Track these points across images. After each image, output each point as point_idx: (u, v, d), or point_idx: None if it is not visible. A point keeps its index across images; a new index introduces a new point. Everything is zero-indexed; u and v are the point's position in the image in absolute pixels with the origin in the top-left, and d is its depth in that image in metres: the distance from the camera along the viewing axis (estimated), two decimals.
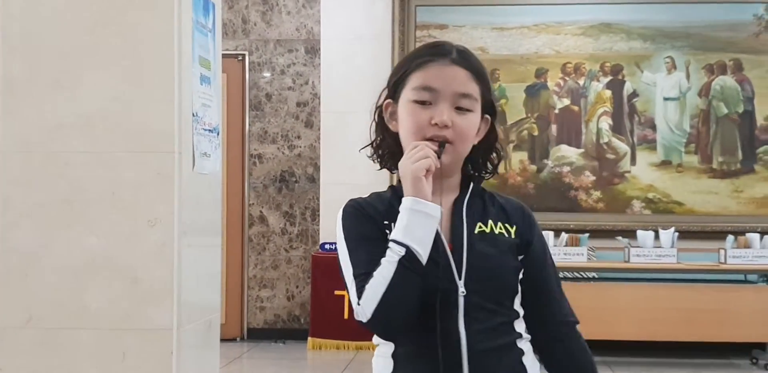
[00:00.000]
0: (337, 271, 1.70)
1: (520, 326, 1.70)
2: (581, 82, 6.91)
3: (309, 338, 6.67)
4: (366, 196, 1.74)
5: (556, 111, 6.95)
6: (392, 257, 1.56)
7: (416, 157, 1.59)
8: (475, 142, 1.71)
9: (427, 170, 1.58)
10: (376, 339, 1.72)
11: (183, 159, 2.66)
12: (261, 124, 7.13)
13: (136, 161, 2.62)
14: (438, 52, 1.69)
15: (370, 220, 1.65)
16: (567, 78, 6.92)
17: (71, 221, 2.62)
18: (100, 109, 2.63)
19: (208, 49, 2.95)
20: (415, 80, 1.67)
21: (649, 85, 6.88)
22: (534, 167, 6.92)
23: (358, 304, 1.59)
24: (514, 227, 1.70)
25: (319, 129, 7.02)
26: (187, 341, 2.67)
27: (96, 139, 2.63)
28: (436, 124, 1.63)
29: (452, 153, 1.65)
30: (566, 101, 6.94)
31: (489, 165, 1.77)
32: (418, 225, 1.57)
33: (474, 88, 1.67)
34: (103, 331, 2.59)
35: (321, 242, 6.85)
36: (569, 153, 6.91)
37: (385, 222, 1.64)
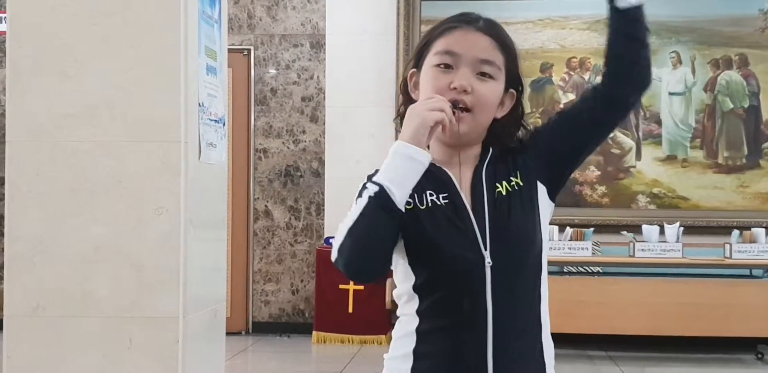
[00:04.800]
0: None
1: (544, 287, 1.66)
2: (586, 76, 6.91)
3: (313, 332, 6.67)
4: None
5: (562, 106, 6.94)
6: (365, 195, 1.54)
7: (432, 106, 1.55)
8: (498, 116, 1.68)
9: (438, 123, 1.54)
10: (399, 311, 1.69)
11: (189, 149, 2.67)
12: (266, 119, 7.13)
13: (142, 150, 2.63)
14: (464, 19, 1.68)
15: None
16: (572, 73, 6.92)
17: (78, 209, 2.63)
18: (107, 98, 2.65)
19: (214, 39, 2.96)
20: (438, 46, 1.65)
21: (654, 79, 6.84)
22: None
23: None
24: (518, 173, 1.66)
25: (324, 124, 7.02)
26: (192, 330, 2.68)
27: (102, 129, 2.64)
28: (455, 88, 1.60)
29: (470, 122, 1.62)
30: (571, 96, 6.93)
31: (512, 140, 1.71)
32: (399, 167, 1.54)
33: (497, 57, 1.65)
34: (109, 319, 2.60)
35: (326, 236, 6.86)
36: None
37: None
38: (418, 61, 1.70)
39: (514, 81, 1.70)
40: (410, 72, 1.71)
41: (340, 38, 6.98)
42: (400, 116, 1.67)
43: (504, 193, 1.63)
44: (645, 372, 5.95)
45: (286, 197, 7.10)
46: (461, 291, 1.58)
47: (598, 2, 6.75)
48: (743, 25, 6.80)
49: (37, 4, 2.68)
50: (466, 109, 1.62)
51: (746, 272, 6.36)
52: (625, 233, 6.44)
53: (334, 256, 1.58)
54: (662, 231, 6.27)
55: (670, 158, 6.85)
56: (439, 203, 1.62)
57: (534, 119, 6.94)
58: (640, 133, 6.86)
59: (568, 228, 6.33)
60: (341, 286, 6.45)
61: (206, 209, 2.84)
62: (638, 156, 6.86)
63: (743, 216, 6.71)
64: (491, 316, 1.58)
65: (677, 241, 6.23)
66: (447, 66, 1.63)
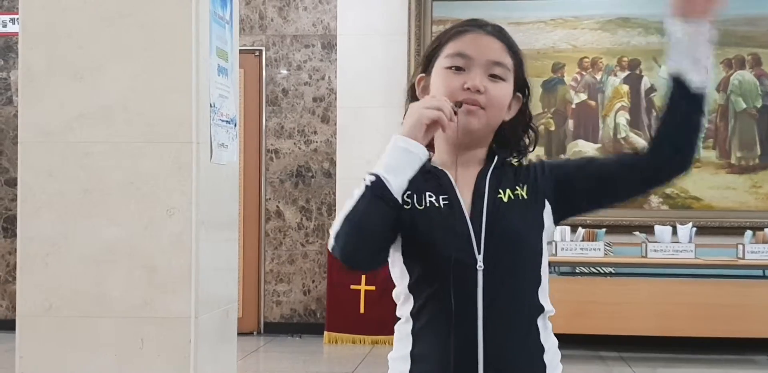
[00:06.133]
0: None
1: (543, 296, 1.66)
2: (598, 76, 6.89)
3: (325, 333, 6.68)
4: None
5: (573, 106, 6.93)
6: (362, 185, 1.57)
7: (431, 105, 1.58)
8: (506, 119, 1.70)
9: (435, 122, 1.57)
10: (398, 312, 1.70)
11: (201, 149, 2.68)
12: (277, 120, 7.14)
13: (154, 151, 2.64)
14: (473, 23, 1.71)
15: None
16: (584, 73, 6.91)
17: (91, 210, 2.64)
18: (119, 99, 2.66)
19: (225, 40, 2.96)
20: (448, 49, 1.68)
21: (666, 79, 6.84)
22: None
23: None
24: (525, 186, 1.66)
25: (335, 124, 7.03)
26: (204, 331, 2.69)
27: (115, 130, 2.65)
28: (468, 88, 1.63)
29: (482, 119, 1.64)
30: (583, 96, 6.92)
31: (520, 145, 1.74)
32: (395, 158, 1.58)
33: (507, 60, 1.68)
34: (121, 319, 2.61)
35: None
36: (586, 148, 6.89)
37: (407, 192, 1.62)
38: (427, 65, 1.72)
39: (520, 85, 1.72)
40: (418, 77, 1.73)
41: (352, 39, 6.98)
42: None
43: (505, 200, 1.64)
44: None
45: (298, 197, 7.11)
46: (451, 292, 1.58)
47: (610, 2, 6.78)
48: (756, 24, 6.78)
49: (50, 5, 2.69)
50: (480, 107, 1.64)
51: (759, 272, 6.34)
52: (637, 233, 6.42)
53: (330, 243, 1.59)
54: (675, 232, 6.25)
55: None
56: (437, 204, 1.63)
57: (546, 120, 6.94)
58: (653, 133, 6.83)
59: (580, 229, 6.31)
60: (353, 286, 6.46)
61: (218, 210, 2.85)
62: None
63: (756, 216, 6.68)
64: (481, 319, 1.58)
65: (690, 241, 6.21)
66: (459, 68, 1.66)
